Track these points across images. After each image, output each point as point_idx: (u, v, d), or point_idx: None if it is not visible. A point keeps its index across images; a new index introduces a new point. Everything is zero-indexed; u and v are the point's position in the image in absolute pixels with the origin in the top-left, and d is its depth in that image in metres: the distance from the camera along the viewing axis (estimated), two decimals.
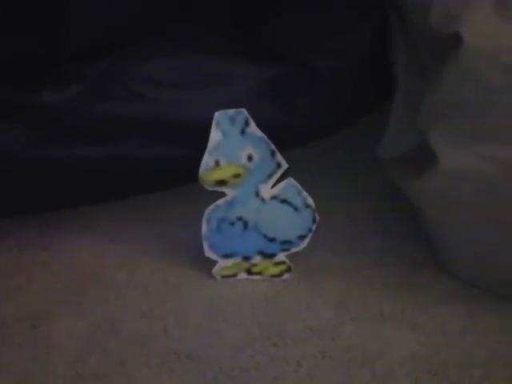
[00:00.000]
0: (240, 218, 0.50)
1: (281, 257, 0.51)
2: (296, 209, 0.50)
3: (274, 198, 0.49)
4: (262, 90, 0.54)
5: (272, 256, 0.51)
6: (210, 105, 0.50)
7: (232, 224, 0.50)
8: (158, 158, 0.54)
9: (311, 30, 0.55)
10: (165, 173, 0.55)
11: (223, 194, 0.49)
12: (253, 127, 0.47)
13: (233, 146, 0.48)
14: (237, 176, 0.48)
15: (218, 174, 0.48)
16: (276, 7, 0.54)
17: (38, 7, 0.50)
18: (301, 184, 0.50)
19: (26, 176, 0.52)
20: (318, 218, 0.50)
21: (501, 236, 0.46)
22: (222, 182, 0.48)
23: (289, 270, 0.52)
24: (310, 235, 0.50)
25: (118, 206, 0.58)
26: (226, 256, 0.51)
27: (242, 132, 0.47)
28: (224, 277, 0.52)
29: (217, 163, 0.48)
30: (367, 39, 0.56)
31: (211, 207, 0.49)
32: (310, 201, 0.50)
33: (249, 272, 0.52)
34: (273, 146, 0.48)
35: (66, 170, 0.52)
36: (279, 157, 0.48)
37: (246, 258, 0.51)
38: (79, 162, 0.52)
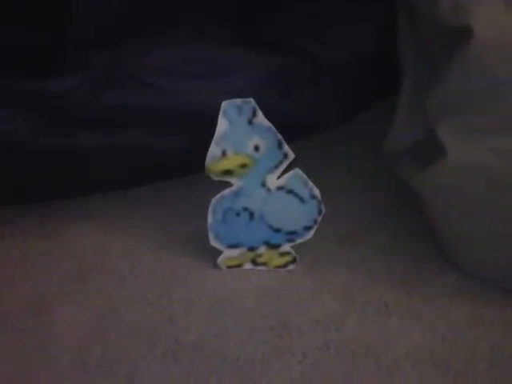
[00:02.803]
0: (246, 209, 0.50)
1: (286, 247, 0.51)
2: (302, 200, 0.50)
3: (280, 188, 0.49)
4: (265, 80, 0.53)
5: (277, 247, 0.51)
6: (215, 94, 0.50)
7: (238, 214, 0.50)
8: (161, 147, 0.53)
9: (315, 21, 0.55)
10: (168, 162, 0.55)
11: (225, 185, 0.49)
12: (260, 117, 0.47)
13: (240, 135, 0.47)
14: (243, 166, 0.48)
15: (225, 164, 0.48)
16: None
17: None
18: None
19: (30, 164, 0.52)
20: (323, 209, 0.50)
21: (506, 230, 0.46)
22: (228, 172, 0.48)
23: (294, 260, 0.52)
24: (315, 226, 0.50)
25: (118, 196, 0.58)
26: (232, 246, 0.51)
27: (249, 122, 0.47)
28: (229, 267, 0.52)
29: (223, 153, 0.47)
30: (372, 32, 0.56)
31: (217, 197, 0.49)
32: (316, 192, 0.49)
33: (254, 262, 0.52)
34: (280, 137, 0.48)
35: (68, 158, 0.52)
36: (286, 147, 0.48)
37: (252, 249, 0.51)
38: (82, 150, 0.52)
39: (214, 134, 0.47)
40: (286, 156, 0.48)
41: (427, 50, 0.49)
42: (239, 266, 0.52)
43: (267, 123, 0.47)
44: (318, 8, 0.55)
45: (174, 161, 0.54)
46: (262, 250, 0.51)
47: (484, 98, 0.45)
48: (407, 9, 0.51)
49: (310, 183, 0.50)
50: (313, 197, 0.50)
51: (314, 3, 0.54)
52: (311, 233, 0.51)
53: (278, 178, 0.49)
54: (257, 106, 0.47)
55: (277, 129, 0.47)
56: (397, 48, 0.53)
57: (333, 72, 0.55)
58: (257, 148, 0.48)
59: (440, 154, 0.46)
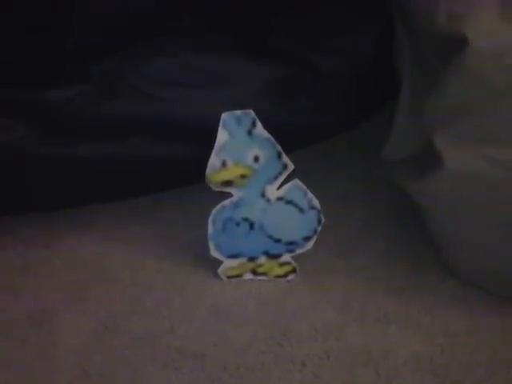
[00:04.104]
0: (246, 219, 0.50)
1: (286, 258, 0.51)
2: (301, 210, 0.50)
3: (279, 199, 0.50)
4: (264, 89, 0.54)
5: (277, 257, 0.51)
6: (215, 104, 0.51)
7: (238, 224, 0.50)
8: (161, 158, 0.54)
9: (315, 30, 0.56)
10: (168, 173, 0.55)
11: (225, 195, 0.49)
12: (259, 128, 0.48)
13: (239, 146, 0.48)
14: (243, 177, 0.49)
15: (225, 175, 0.48)
16: (279, 7, 0.55)
17: (44, 7, 0.50)
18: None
19: (29, 174, 0.52)
20: (323, 219, 0.50)
21: (503, 238, 0.47)
22: (228, 183, 0.49)
23: (294, 270, 0.52)
24: (315, 236, 0.51)
25: (118, 206, 0.58)
26: (232, 256, 0.51)
27: (249, 133, 0.48)
28: (229, 277, 0.52)
29: (223, 164, 0.48)
30: (371, 40, 0.57)
31: (217, 208, 0.49)
32: (316, 202, 0.50)
33: (254, 272, 0.52)
34: (279, 148, 0.48)
35: (68, 168, 0.53)
36: (285, 158, 0.48)
37: (252, 259, 0.51)
38: (82, 160, 0.52)
39: (214, 144, 0.47)
40: (285, 167, 0.49)
41: (424, 59, 0.50)
42: (239, 275, 0.52)
43: (266, 134, 0.48)
44: (318, 17, 0.56)
45: (174, 171, 0.55)
46: (262, 260, 0.52)
47: (481, 106, 0.45)
48: (404, 19, 0.51)
49: (310, 193, 0.50)
50: (312, 207, 0.50)
51: (314, 12, 0.55)
52: (311, 243, 0.51)
53: (278, 188, 0.50)
54: (256, 117, 0.47)
55: (276, 138, 0.48)
56: (395, 57, 0.54)
57: (332, 81, 0.56)
58: (256, 159, 0.48)
59: (437, 162, 0.47)
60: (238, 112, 0.47)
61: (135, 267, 0.54)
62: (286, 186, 0.50)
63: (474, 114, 0.45)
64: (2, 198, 0.54)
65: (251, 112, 0.47)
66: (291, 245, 0.51)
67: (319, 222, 0.50)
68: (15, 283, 0.52)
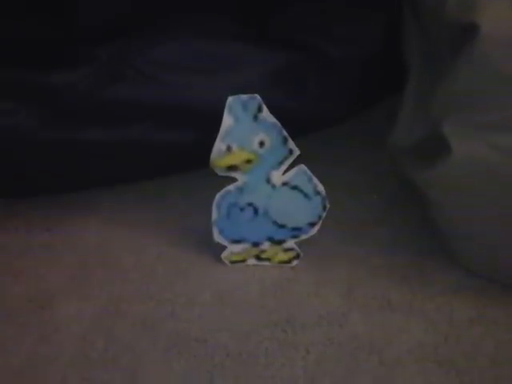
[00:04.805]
0: (250, 204, 0.50)
1: (290, 243, 0.51)
2: (306, 196, 0.50)
3: (284, 184, 0.49)
4: (267, 75, 0.54)
5: (281, 242, 0.51)
6: (221, 89, 0.50)
7: (242, 210, 0.50)
8: (166, 142, 0.53)
9: (319, 18, 0.55)
10: (171, 157, 0.55)
11: (228, 180, 0.49)
12: (265, 113, 0.47)
13: (245, 131, 0.47)
14: (248, 162, 0.48)
15: (230, 160, 0.48)
16: None
17: None
18: None
19: (31, 157, 0.52)
20: (328, 205, 0.50)
21: (506, 226, 0.46)
22: (233, 168, 0.48)
23: (298, 256, 0.52)
24: (319, 222, 0.50)
25: (120, 190, 0.58)
26: (236, 241, 0.51)
27: (255, 117, 0.47)
28: (233, 262, 0.52)
29: (229, 148, 0.47)
30: (380, 28, 0.56)
31: (222, 193, 0.49)
32: (321, 188, 0.49)
33: (258, 258, 0.52)
34: (285, 133, 0.47)
35: (72, 152, 0.52)
36: (291, 143, 0.48)
37: (256, 244, 0.51)
38: (83, 145, 0.52)
39: (217, 129, 0.47)
40: (291, 152, 0.48)
41: (433, 47, 0.49)
42: (243, 261, 0.52)
43: (272, 119, 0.47)
44: (322, 5, 0.55)
45: (178, 155, 0.54)
46: (266, 245, 0.51)
47: (490, 94, 0.44)
48: (413, 6, 0.51)
49: (315, 179, 0.50)
50: (317, 193, 0.50)
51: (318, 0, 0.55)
52: (315, 229, 0.51)
53: (283, 174, 0.49)
54: (262, 102, 0.47)
55: (284, 124, 0.47)
56: (402, 45, 0.53)
57: (336, 68, 0.55)
58: (262, 144, 0.48)
59: (445, 150, 0.46)
60: (244, 96, 0.47)
61: (137, 251, 0.53)
62: (291, 172, 0.49)
63: (482, 102, 0.45)
64: (2, 182, 0.53)
65: (257, 96, 0.47)
66: (296, 231, 0.51)
67: (324, 208, 0.50)
68: (16, 266, 0.52)
